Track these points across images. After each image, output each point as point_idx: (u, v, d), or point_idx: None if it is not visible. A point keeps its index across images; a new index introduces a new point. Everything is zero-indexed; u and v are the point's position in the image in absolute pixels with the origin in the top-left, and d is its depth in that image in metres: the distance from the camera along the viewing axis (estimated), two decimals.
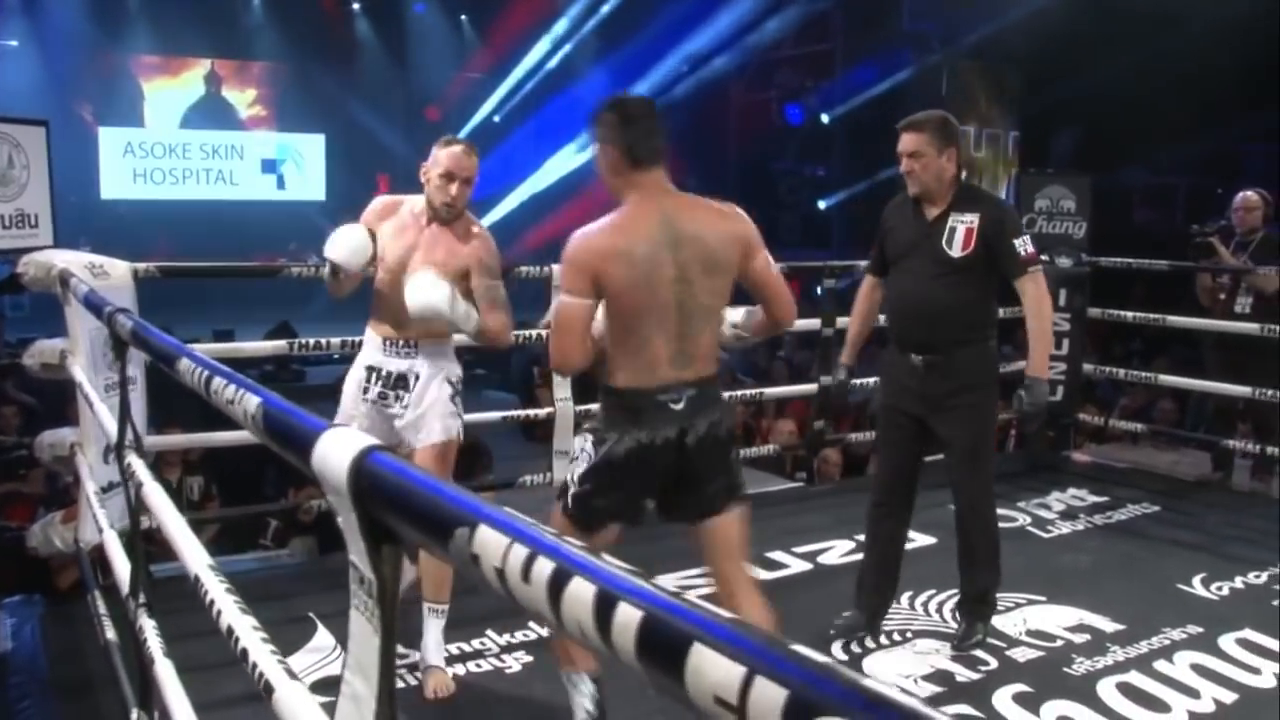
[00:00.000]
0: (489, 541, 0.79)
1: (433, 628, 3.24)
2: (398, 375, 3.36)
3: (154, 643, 2.16)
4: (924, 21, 15.66)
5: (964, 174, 3.61)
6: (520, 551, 0.76)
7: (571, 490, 2.74)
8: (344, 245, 3.28)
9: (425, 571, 3.24)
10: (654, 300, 2.58)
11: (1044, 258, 3.60)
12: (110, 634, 2.92)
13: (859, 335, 3.97)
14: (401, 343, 3.35)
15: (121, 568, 2.54)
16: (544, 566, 0.74)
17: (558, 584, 0.72)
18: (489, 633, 3.60)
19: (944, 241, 3.49)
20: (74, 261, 3.72)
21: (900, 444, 3.70)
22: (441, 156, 3.36)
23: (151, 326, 2.17)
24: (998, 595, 3.77)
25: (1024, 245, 3.47)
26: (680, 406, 2.64)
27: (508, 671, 3.39)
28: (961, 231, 3.47)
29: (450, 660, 3.39)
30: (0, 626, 3.69)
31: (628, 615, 0.67)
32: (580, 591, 0.70)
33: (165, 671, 2.06)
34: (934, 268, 3.51)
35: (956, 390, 3.53)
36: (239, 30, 17.32)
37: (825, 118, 16.59)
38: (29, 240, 3.93)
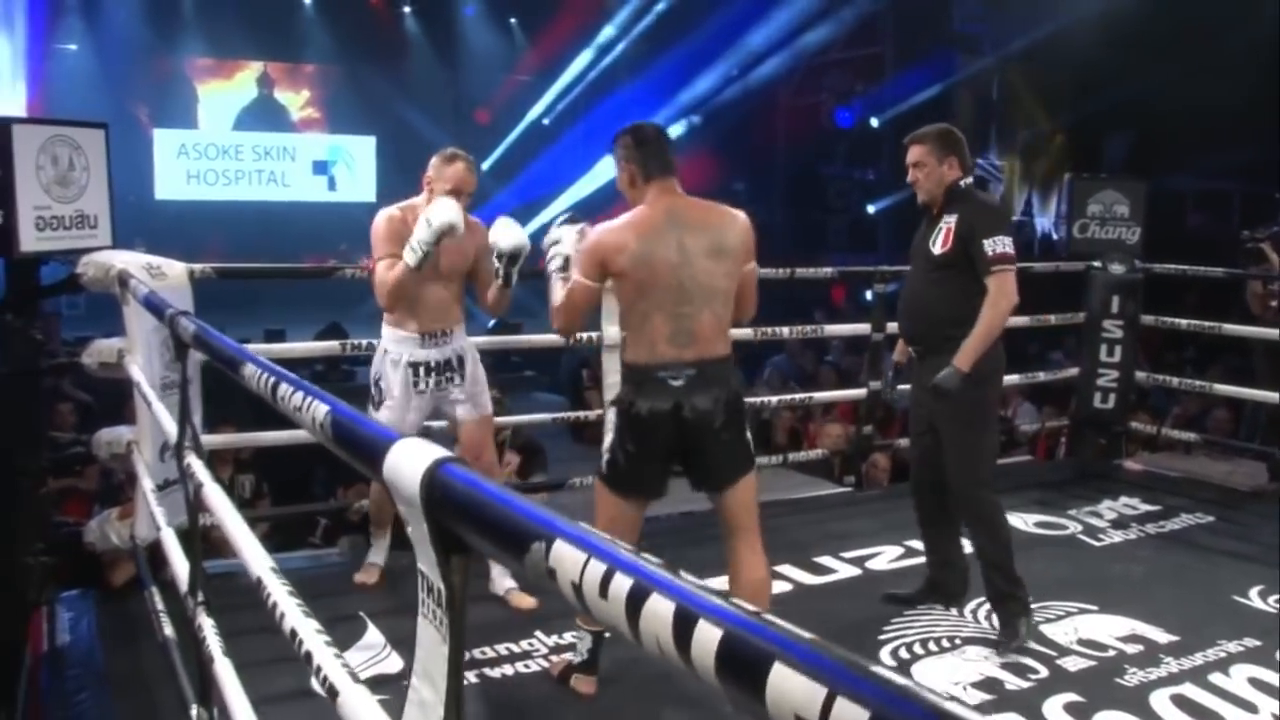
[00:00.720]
0: (565, 556, 0.79)
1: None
2: (446, 362, 3.75)
3: (213, 641, 2.18)
4: (974, 24, 15.55)
5: (966, 179, 3.76)
6: (598, 568, 0.76)
7: (605, 458, 3.09)
8: (450, 208, 3.57)
9: None
10: (654, 281, 2.93)
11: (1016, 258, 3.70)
12: (168, 630, 2.96)
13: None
14: (440, 333, 3.75)
15: (179, 565, 2.57)
16: (622, 583, 0.74)
17: (636, 601, 0.73)
18: (538, 634, 3.61)
19: (931, 241, 3.74)
20: (132, 262, 3.77)
21: (922, 436, 3.90)
22: (448, 173, 3.72)
23: (213, 330, 2.20)
24: (1051, 602, 3.76)
25: (993, 245, 3.60)
26: (679, 383, 2.94)
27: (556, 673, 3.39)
28: (943, 231, 3.71)
29: (498, 661, 3.41)
30: (58, 620, 3.76)
31: (707, 634, 0.67)
32: (659, 609, 0.70)
33: (224, 669, 2.08)
34: (925, 266, 3.78)
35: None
36: (291, 33, 17.50)
37: (875, 121, 16.50)
38: (88, 241, 3.99)
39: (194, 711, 2.42)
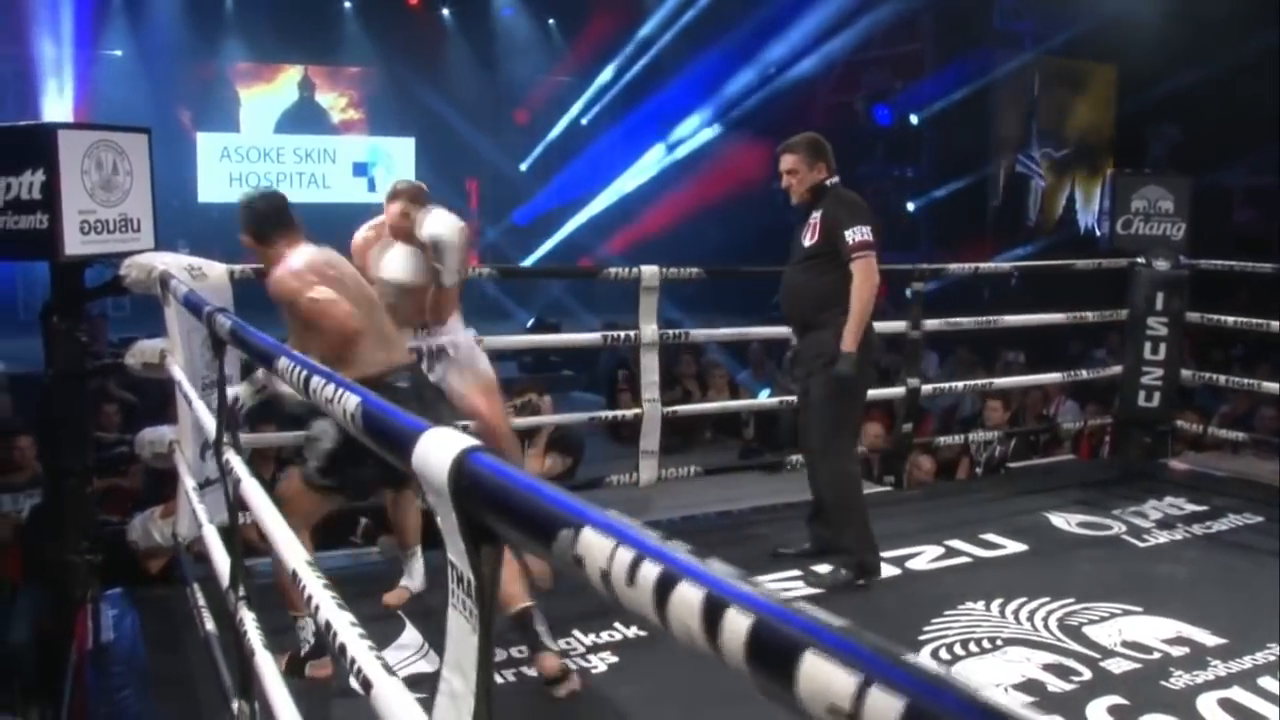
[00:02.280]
0: (594, 544, 0.79)
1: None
2: (438, 347, 3.95)
3: (254, 635, 2.20)
4: (1016, 20, 15.40)
5: (832, 179, 4.18)
6: (626, 555, 0.76)
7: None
8: (449, 219, 3.84)
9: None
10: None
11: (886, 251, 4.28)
12: (209, 626, 2.98)
13: None
14: (421, 326, 3.95)
15: (220, 562, 2.59)
16: (650, 570, 0.73)
17: (664, 588, 0.72)
18: (575, 633, 3.61)
19: (801, 235, 4.20)
20: (174, 263, 3.82)
21: (804, 401, 4.35)
22: (393, 210, 3.96)
23: (249, 326, 2.22)
24: (1095, 604, 3.73)
25: (854, 234, 4.03)
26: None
27: (594, 671, 3.39)
28: (811, 225, 4.15)
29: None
30: (102, 617, 3.80)
31: (737, 622, 0.66)
32: (688, 596, 0.70)
33: (265, 663, 2.09)
34: (798, 257, 4.22)
35: (814, 362, 4.16)
36: (331, 36, 17.61)
37: (914, 118, 16.39)
38: (131, 244, 4.04)
39: (235, 705, 2.44)
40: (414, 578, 3.90)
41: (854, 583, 4.14)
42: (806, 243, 4.16)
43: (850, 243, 4.02)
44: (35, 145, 3.86)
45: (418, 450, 1.07)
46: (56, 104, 14.62)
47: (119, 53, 16.26)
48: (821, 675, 0.60)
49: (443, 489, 1.00)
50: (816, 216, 4.13)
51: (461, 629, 1.07)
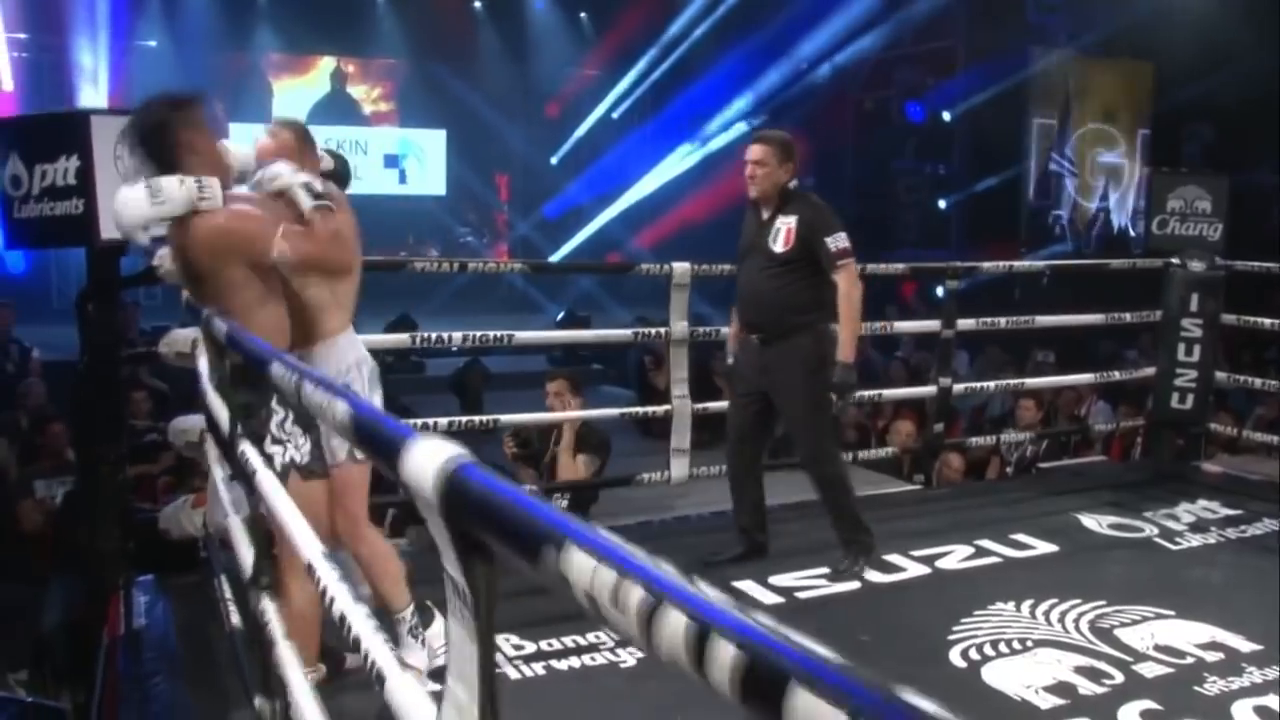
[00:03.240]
0: (577, 562, 0.76)
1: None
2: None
3: (275, 627, 2.20)
4: (1050, 16, 15.27)
5: (794, 182, 4.18)
6: (607, 575, 0.73)
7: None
8: None
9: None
10: None
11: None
12: (235, 618, 2.99)
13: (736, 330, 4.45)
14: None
15: (244, 553, 2.60)
16: (634, 592, 0.71)
17: (649, 611, 0.69)
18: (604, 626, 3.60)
19: (770, 240, 4.10)
20: None
21: (747, 407, 4.31)
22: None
23: (244, 332, 2.22)
24: (1126, 606, 3.73)
25: (835, 242, 4.04)
26: None
27: (622, 665, 3.39)
28: (783, 231, 4.09)
29: (565, 653, 3.41)
30: (134, 604, 3.83)
31: (723, 650, 0.64)
32: (673, 622, 0.67)
33: (285, 654, 2.09)
34: (764, 262, 4.13)
35: (786, 367, 4.12)
36: (364, 27, 17.66)
37: (946, 115, 16.28)
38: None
39: (257, 701, 2.45)
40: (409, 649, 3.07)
41: (863, 567, 4.22)
42: (778, 248, 4.10)
43: (832, 250, 4.04)
44: (69, 131, 3.89)
45: (406, 458, 1.04)
46: (92, 94, 14.72)
47: (153, 43, 16.37)
48: (809, 710, 0.58)
49: (431, 501, 0.98)
50: (790, 222, 4.09)
51: (461, 639, 1.05)
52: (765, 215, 4.17)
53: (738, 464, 4.42)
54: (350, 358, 3.05)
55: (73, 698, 4.64)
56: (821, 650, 0.61)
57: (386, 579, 3.05)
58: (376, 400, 3.03)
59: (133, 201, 2.78)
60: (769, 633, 0.63)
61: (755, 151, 4.17)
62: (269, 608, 2.25)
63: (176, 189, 2.73)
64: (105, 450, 4.14)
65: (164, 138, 2.85)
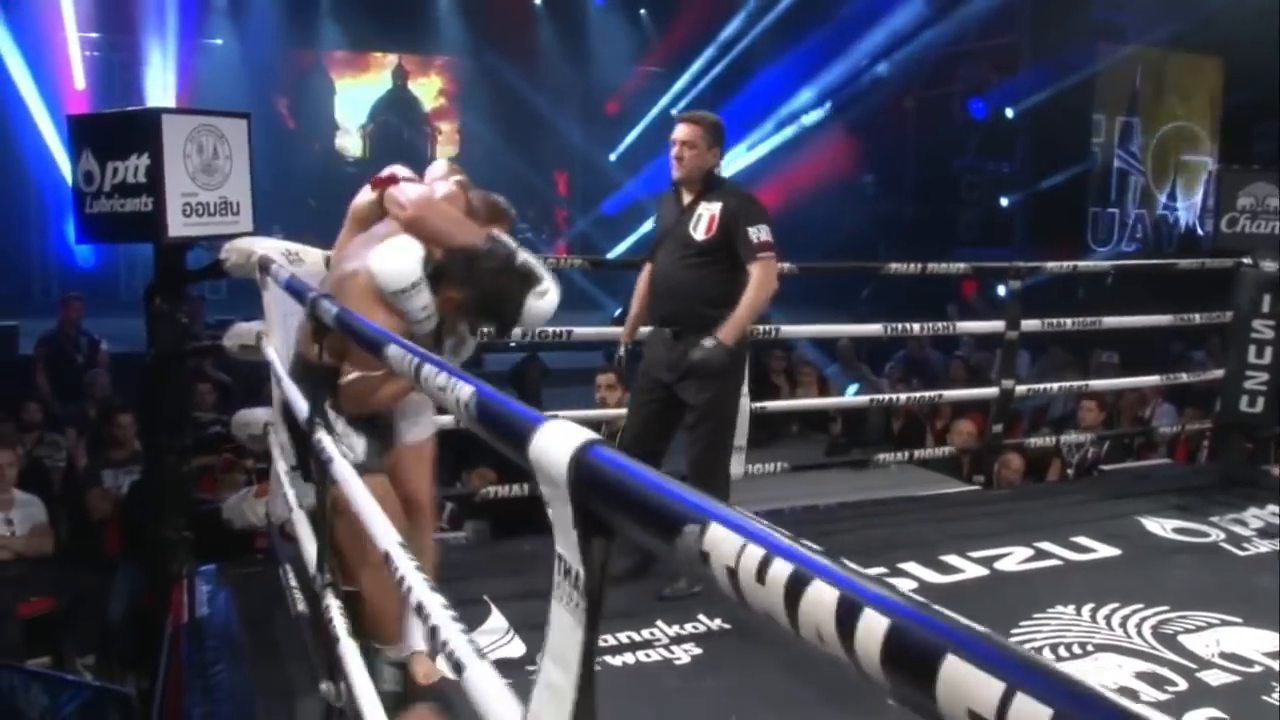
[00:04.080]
0: (722, 540, 0.77)
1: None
2: None
3: (338, 622, 2.22)
4: (1117, 12, 15.03)
5: (719, 169, 3.98)
6: (756, 552, 0.74)
7: None
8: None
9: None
10: None
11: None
12: (300, 607, 3.03)
13: (638, 318, 4.22)
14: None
15: (308, 545, 2.63)
16: (781, 569, 0.72)
17: (796, 588, 0.70)
18: (659, 623, 3.61)
19: (690, 226, 3.87)
20: (272, 248, 3.88)
21: (649, 405, 4.01)
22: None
23: (356, 313, 2.24)
24: (1191, 612, 3.67)
25: (757, 233, 3.80)
26: None
27: (676, 663, 3.39)
28: (705, 217, 3.85)
29: (620, 649, 3.42)
30: (197, 593, 3.90)
31: (873, 623, 0.65)
32: (821, 596, 0.68)
33: (349, 650, 2.11)
34: (681, 250, 3.89)
35: (701, 366, 3.81)
36: (425, 25, 17.81)
37: (1010, 112, 16.09)
38: (231, 226, 4.13)
39: (324, 687, 2.48)
40: None
41: (697, 592, 3.76)
42: (699, 236, 3.85)
43: (755, 241, 3.80)
44: (141, 130, 3.96)
45: (535, 442, 1.06)
46: (160, 91, 15.00)
47: (219, 41, 16.63)
48: (964, 680, 0.58)
49: (560, 481, 1.00)
50: (713, 209, 3.84)
51: (566, 622, 1.07)
52: (686, 200, 3.93)
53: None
54: None
55: (137, 684, 4.73)
56: (974, 625, 0.62)
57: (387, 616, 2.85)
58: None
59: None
60: (918, 608, 0.65)
61: (683, 131, 3.90)
62: (333, 603, 2.27)
63: None
64: (171, 441, 4.22)
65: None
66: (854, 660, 0.66)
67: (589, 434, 1.02)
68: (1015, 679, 0.56)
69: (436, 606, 1.51)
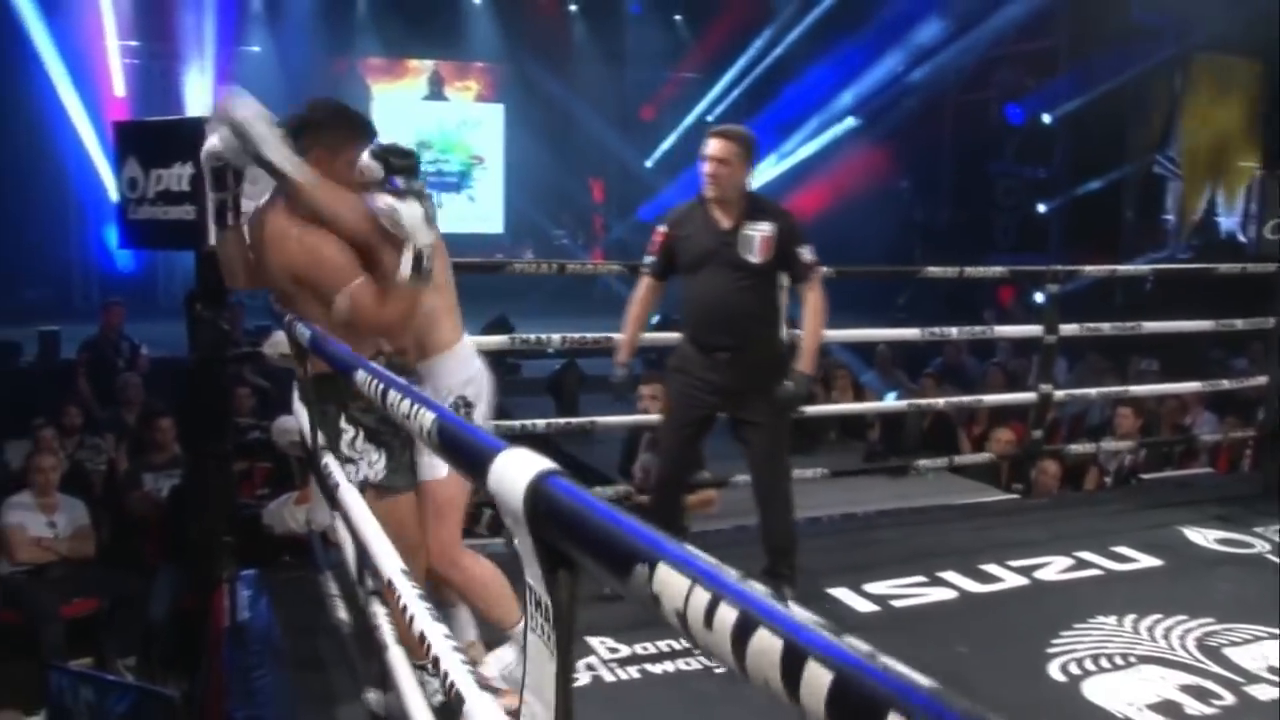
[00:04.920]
0: (669, 581, 0.75)
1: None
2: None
3: (385, 629, 2.23)
4: (1156, 14, 14.87)
5: (749, 185, 3.87)
6: (702, 596, 0.72)
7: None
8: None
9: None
10: None
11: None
12: (342, 614, 3.05)
13: (635, 336, 4.16)
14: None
15: (350, 554, 2.63)
16: (727, 614, 0.70)
17: (743, 633, 0.68)
18: None
19: (741, 249, 3.76)
20: None
21: (690, 427, 3.95)
22: None
23: (330, 339, 2.23)
24: (1236, 625, 3.62)
25: (808, 253, 3.80)
26: None
27: (716, 670, 3.38)
28: (758, 240, 3.76)
29: (659, 657, 3.42)
30: (239, 597, 3.93)
31: (817, 675, 0.63)
32: (766, 644, 0.66)
33: (397, 657, 2.12)
34: (731, 273, 3.78)
35: (757, 382, 3.83)
36: (461, 32, 17.92)
37: (1047, 117, 15.97)
38: None
39: (371, 696, 2.49)
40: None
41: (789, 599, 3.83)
42: (754, 259, 3.76)
43: (807, 261, 3.80)
44: (185, 138, 3.98)
45: (493, 469, 1.04)
46: (198, 98, 15.16)
47: (256, 49, 16.79)
48: None
49: (518, 513, 0.98)
50: (764, 231, 3.76)
51: (540, 653, 1.05)
52: (727, 222, 3.79)
53: (673, 495, 4.05)
54: (465, 373, 2.92)
55: (177, 686, 4.78)
56: (918, 677, 0.60)
57: (490, 600, 2.90)
58: (480, 411, 2.92)
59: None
60: (864, 658, 0.62)
61: (717, 147, 3.74)
62: (379, 610, 2.28)
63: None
64: (212, 445, 4.25)
65: (308, 130, 2.81)
66: (801, 709, 0.64)
67: (547, 464, 0.98)
68: None
69: (438, 636, 1.50)
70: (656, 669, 3.37)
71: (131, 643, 5.71)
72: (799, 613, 0.68)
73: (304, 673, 3.36)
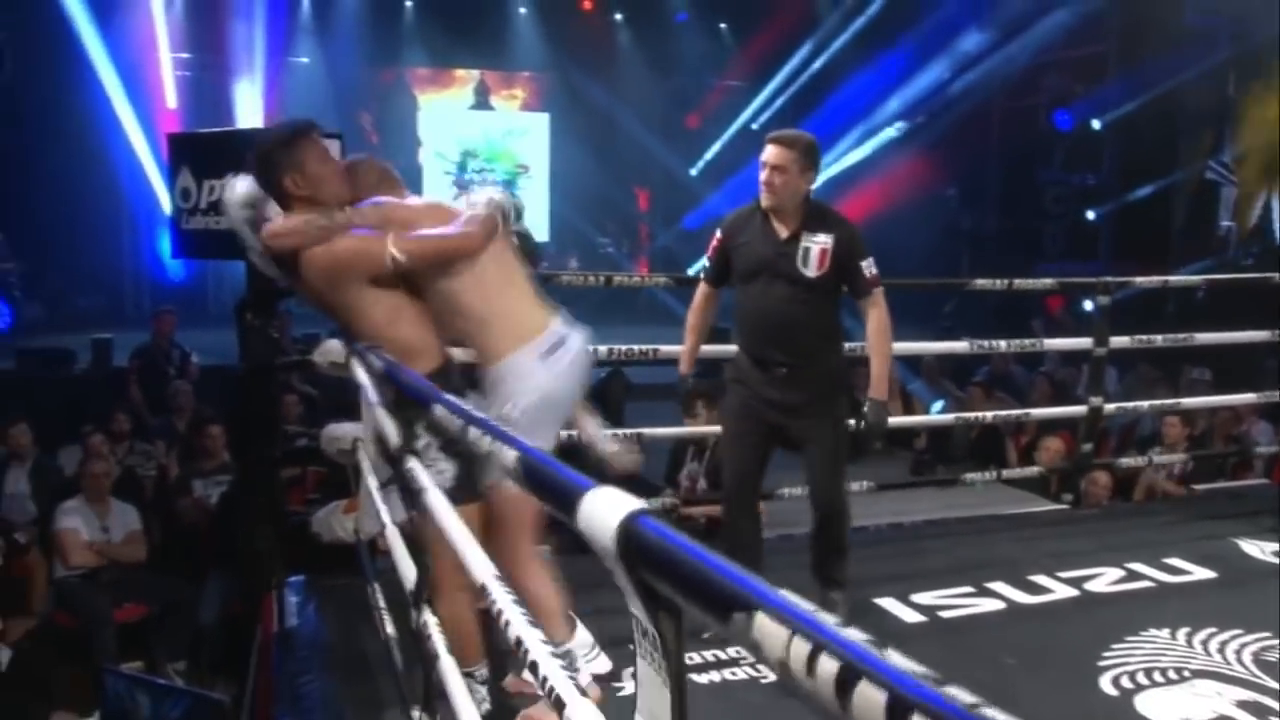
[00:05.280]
0: (770, 631, 0.75)
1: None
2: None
3: (437, 640, 2.23)
4: (1210, 17, 14.66)
5: (811, 193, 3.66)
6: (802, 646, 0.72)
7: None
8: None
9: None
10: None
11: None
12: (389, 627, 3.06)
13: (696, 346, 4.06)
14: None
15: (404, 566, 2.63)
16: (829, 665, 0.70)
17: (846, 683, 0.68)
18: None
19: (799, 261, 3.59)
20: None
21: (753, 447, 3.80)
22: None
23: (404, 369, 2.24)
24: None
25: (869, 267, 3.62)
26: None
27: (763, 681, 3.36)
28: (815, 252, 3.58)
29: (705, 667, 3.41)
30: (286, 604, 3.96)
31: None
32: (870, 696, 0.66)
33: (449, 669, 2.12)
34: (789, 287, 3.61)
35: (815, 398, 3.68)
36: (507, 41, 18.02)
37: (1096, 123, 15.80)
38: None
39: (416, 713, 2.49)
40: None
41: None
42: (811, 273, 3.58)
43: (868, 276, 3.61)
44: (238, 149, 4.04)
45: (582, 509, 1.05)
46: (249, 109, 15.35)
47: (305, 60, 16.98)
48: None
49: (609, 551, 0.99)
50: (822, 243, 3.58)
51: (652, 680, 1.05)
52: (785, 232, 3.62)
53: (749, 516, 3.88)
54: (522, 385, 2.89)
55: (227, 691, 4.82)
56: None
57: (542, 617, 2.84)
58: (542, 436, 2.87)
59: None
60: (968, 709, 0.62)
61: (774, 154, 3.56)
62: (431, 622, 2.28)
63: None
64: (261, 453, 4.30)
65: (269, 176, 2.88)
66: None
67: (636, 503, 0.99)
68: None
69: (535, 641, 1.50)
70: (703, 679, 3.36)
71: (181, 647, 5.79)
72: (899, 661, 0.68)
73: (350, 680, 3.38)
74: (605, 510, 1.01)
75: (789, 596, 0.78)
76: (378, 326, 2.82)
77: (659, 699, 1.04)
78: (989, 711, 0.61)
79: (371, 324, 2.82)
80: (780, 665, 0.74)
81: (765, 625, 0.76)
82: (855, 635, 0.72)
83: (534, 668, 1.41)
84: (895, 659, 0.68)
